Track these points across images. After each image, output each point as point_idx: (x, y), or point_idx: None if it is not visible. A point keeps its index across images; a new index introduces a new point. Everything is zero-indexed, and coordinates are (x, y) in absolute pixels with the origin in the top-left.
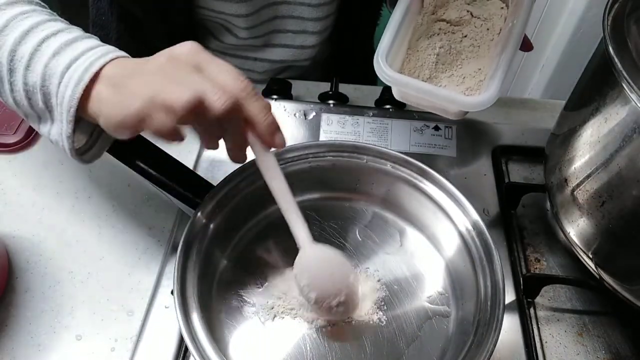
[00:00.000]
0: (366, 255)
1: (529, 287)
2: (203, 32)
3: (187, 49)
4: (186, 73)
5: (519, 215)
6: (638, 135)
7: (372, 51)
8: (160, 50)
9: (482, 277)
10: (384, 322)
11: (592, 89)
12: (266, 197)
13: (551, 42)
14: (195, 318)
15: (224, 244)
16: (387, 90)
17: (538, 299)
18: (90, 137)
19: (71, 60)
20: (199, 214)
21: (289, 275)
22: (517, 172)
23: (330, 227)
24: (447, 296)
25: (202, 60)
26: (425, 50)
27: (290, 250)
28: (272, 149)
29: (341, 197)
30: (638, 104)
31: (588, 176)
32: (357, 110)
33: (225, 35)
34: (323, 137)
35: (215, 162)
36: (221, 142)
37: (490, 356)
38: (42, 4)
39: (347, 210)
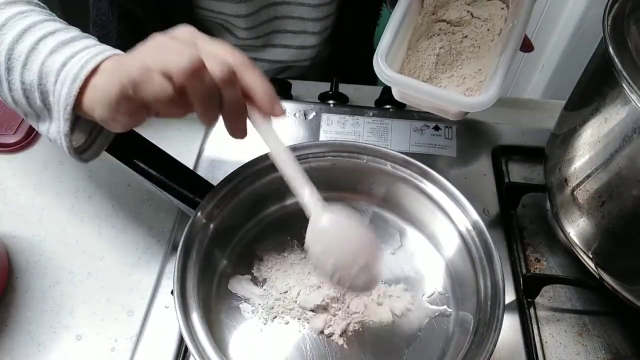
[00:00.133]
0: None
1: (529, 287)
2: (203, 33)
3: (183, 29)
4: (184, 47)
5: (519, 215)
6: (638, 135)
7: (372, 51)
8: None
9: (482, 277)
10: (384, 322)
11: (592, 89)
12: (266, 196)
13: (551, 42)
14: (195, 318)
15: (224, 244)
16: (387, 90)
17: (538, 299)
18: (90, 136)
19: (67, 58)
20: (199, 214)
21: (289, 275)
22: (517, 172)
23: None
24: (447, 296)
25: (198, 38)
26: (426, 50)
27: (290, 250)
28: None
29: (341, 197)
30: (638, 104)
31: (588, 176)
32: (357, 110)
33: (225, 35)
34: (323, 137)
35: (215, 162)
36: (218, 142)
37: (490, 356)
38: (41, 4)
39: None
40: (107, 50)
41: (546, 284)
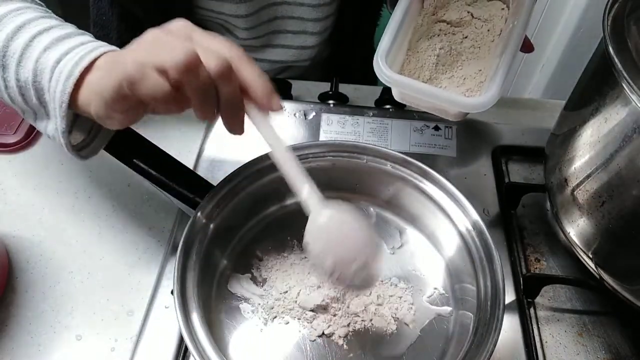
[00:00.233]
0: None
1: (529, 287)
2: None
3: (179, 23)
4: (179, 41)
5: (519, 215)
6: (638, 135)
7: (372, 51)
8: None
9: (482, 277)
10: (384, 322)
11: (592, 89)
12: (266, 196)
13: (551, 42)
14: (195, 318)
15: (224, 244)
16: (387, 90)
17: (538, 299)
18: (88, 135)
19: (61, 54)
20: (199, 214)
21: (289, 275)
22: (517, 172)
23: None
24: (447, 296)
25: (194, 32)
26: (426, 51)
27: (290, 250)
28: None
29: (341, 197)
30: (638, 104)
31: (588, 176)
32: (357, 110)
33: (225, 35)
34: (323, 137)
35: (215, 162)
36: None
37: (490, 356)
38: (38, 1)
39: None
40: (102, 46)
41: (546, 284)
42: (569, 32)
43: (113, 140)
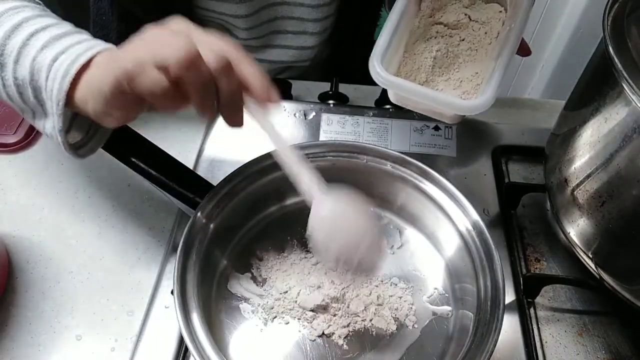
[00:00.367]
0: None
1: (529, 287)
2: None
3: (177, 21)
4: (179, 38)
5: (519, 215)
6: (638, 135)
7: None
8: None
9: (482, 277)
10: (384, 322)
11: (592, 89)
12: (266, 196)
13: (551, 42)
14: (195, 318)
15: (224, 244)
16: (386, 90)
17: (538, 299)
18: (86, 135)
19: (58, 53)
20: (199, 214)
21: (289, 275)
22: (517, 172)
23: None
24: (447, 296)
25: (192, 30)
26: (422, 53)
27: (290, 250)
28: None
29: None
30: (638, 104)
31: (588, 176)
32: (357, 110)
33: (225, 35)
34: (323, 137)
35: (215, 162)
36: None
37: (490, 356)
38: (36, 0)
39: None
40: (99, 44)
41: (546, 284)
42: (569, 33)
43: (114, 141)
